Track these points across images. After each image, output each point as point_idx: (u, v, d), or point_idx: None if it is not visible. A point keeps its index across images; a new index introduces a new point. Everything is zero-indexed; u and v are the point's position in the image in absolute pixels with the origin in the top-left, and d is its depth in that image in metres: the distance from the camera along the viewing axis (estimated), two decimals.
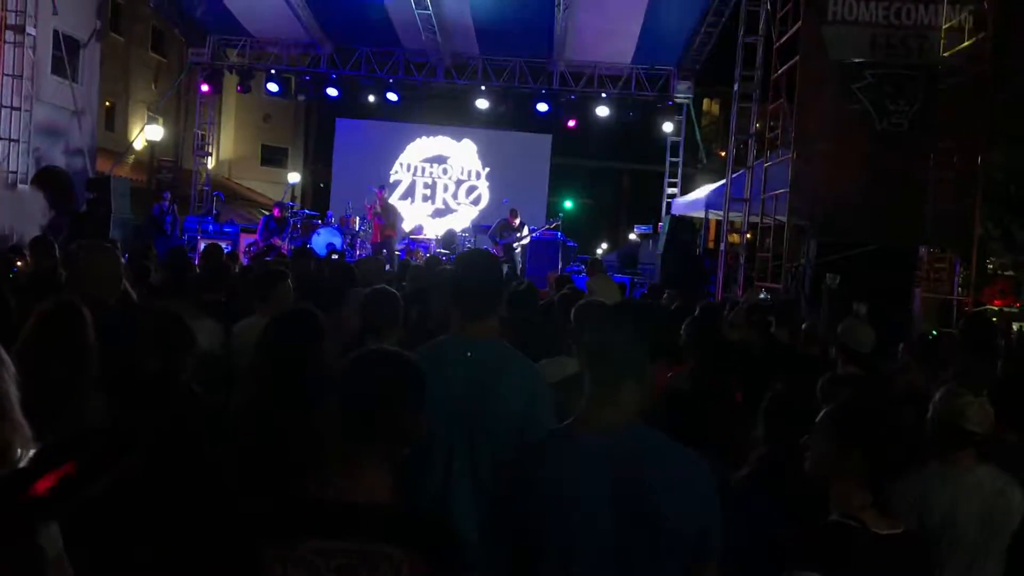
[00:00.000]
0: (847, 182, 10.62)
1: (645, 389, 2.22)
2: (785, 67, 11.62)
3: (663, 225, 16.01)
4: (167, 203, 16.89)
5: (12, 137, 12.83)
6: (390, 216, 16.10)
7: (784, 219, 11.34)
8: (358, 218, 16.89)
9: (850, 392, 3.75)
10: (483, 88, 18.47)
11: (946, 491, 3.05)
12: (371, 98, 18.95)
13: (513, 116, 19.56)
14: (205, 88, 19.63)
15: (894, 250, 10.40)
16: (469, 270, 3.05)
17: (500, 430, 2.74)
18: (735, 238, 16.33)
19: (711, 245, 19.00)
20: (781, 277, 11.45)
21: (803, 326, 6.70)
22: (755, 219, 12.71)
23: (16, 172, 12.86)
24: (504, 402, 2.77)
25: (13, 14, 12.71)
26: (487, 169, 21.55)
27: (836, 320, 6.14)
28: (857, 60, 10.46)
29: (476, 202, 21.52)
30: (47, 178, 15.62)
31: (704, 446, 2.47)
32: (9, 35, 12.77)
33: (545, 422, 2.77)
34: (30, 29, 12.79)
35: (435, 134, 21.65)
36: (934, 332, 7.45)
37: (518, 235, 15.75)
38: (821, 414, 2.63)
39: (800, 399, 3.44)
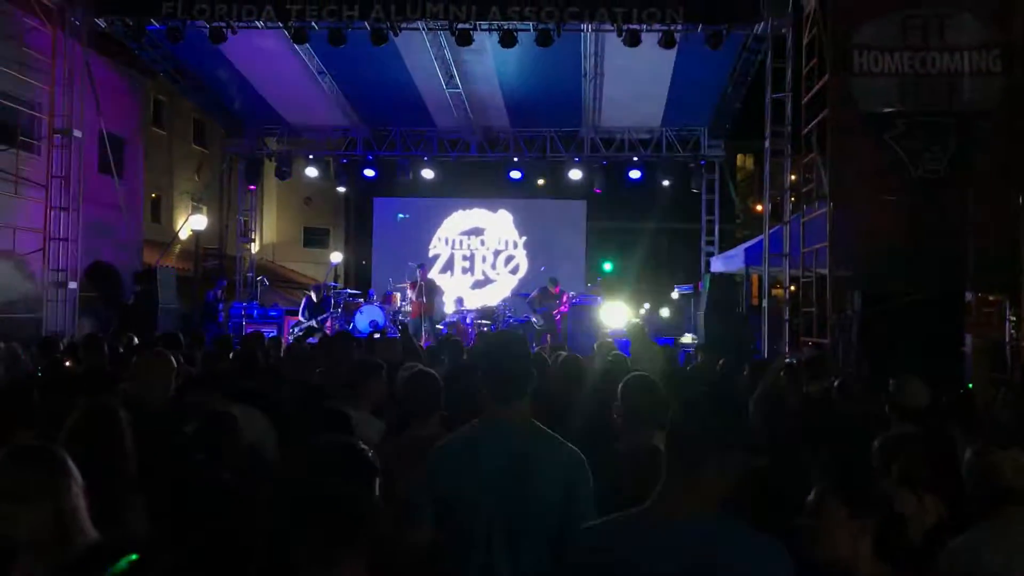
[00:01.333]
0: (887, 231, 10.51)
1: (727, 477, 2.14)
2: (815, 121, 11.63)
3: (703, 284, 15.93)
4: (221, 291, 17.27)
5: (61, 236, 13.18)
6: (430, 293, 16.28)
7: (825, 272, 11.22)
8: (399, 295, 17.07)
9: (918, 453, 3.62)
10: (515, 159, 18.74)
11: (999, 550, 2.94)
12: (407, 176, 19.30)
13: (547, 184, 19.79)
14: (252, 187, 20.25)
15: (941, 296, 10.21)
16: (497, 353, 3.03)
17: (539, 517, 2.71)
18: (779, 292, 16.16)
19: (754, 302, 18.80)
20: (828, 330, 11.27)
21: (835, 382, 6.53)
22: (795, 272, 12.59)
23: (66, 270, 13.18)
24: (542, 489, 2.74)
25: (59, 118, 13.18)
26: (524, 238, 21.71)
27: (880, 375, 6.00)
28: (887, 110, 10.45)
29: (514, 271, 21.63)
30: (96, 274, 16.05)
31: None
32: (56, 139, 13.23)
33: (585, 506, 2.73)
34: (76, 132, 13.24)
35: (471, 207, 21.92)
36: (970, 385, 7.28)
37: (556, 303, 15.79)
38: (815, 489, 2.56)
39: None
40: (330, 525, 1.97)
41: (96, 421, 2.91)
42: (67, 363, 6.84)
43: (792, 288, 13.43)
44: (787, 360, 9.94)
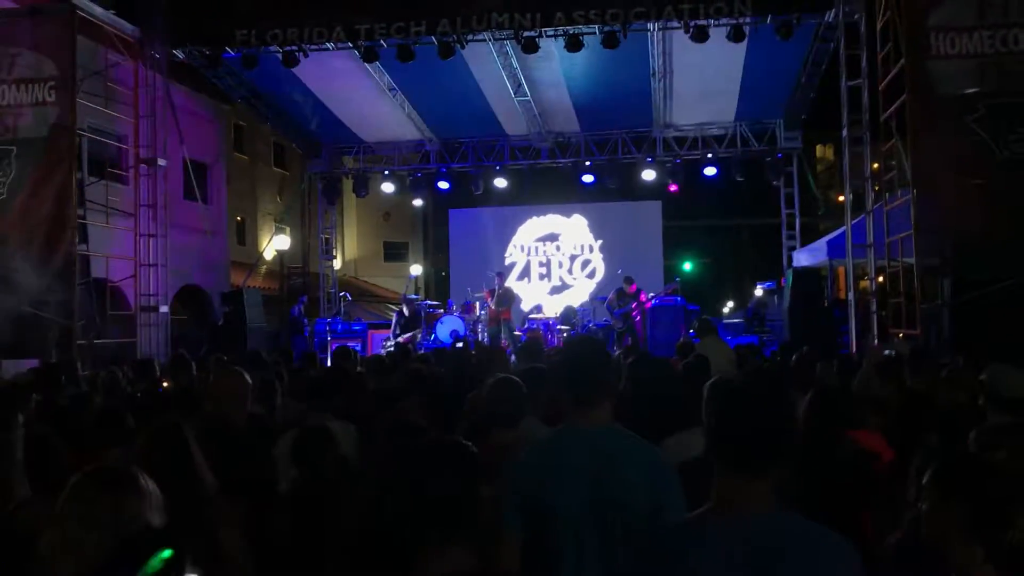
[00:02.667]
0: (974, 217, 10.13)
1: (786, 473, 2.12)
2: (893, 107, 11.29)
3: (786, 280, 15.61)
4: (303, 306, 17.74)
5: (151, 262, 13.67)
6: (507, 300, 16.37)
7: (912, 261, 10.87)
8: (478, 303, 17.20)
9: (1016, 443, 3.48)
10: (587, 163, 18.69)
11: None
12: (480, 186, 19.47)
13: (620, 186, 19.65)
14: (332, 205, 20.74)
15: None
16: (576, 358, 3.04)
17: (628, 521, 2.70)
18: (865, 284, 15.74)
19: (840, 295, 18.32)
20: (918, 321, 10.92)
21: (943, 373, 6.33)
22: (882, 263, 12.24)
23: (157, 294, 13.66)
24: (628, 493, 2.73)
25: (144, 148, 13.70)
26: (599, 242, 21.63)
27: (973, 365, 5.78)
28: (968, 91, 10.08)
29: (591, 275, 21.55)
30: (186, 297, 16.60)
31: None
32: (143, 168, 13.75)
33: (674, 508, 2.71)
34: (161, 160, 13.74)
35: (545, 213, 21.95)
36: None
37: (634, 302, 15.66)
38: (927, 473, 2.47)
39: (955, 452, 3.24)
40: (445, 519, 2.16)
41: (161, 440, 3.00)
42: (164, 384, 7.09)
43: (879, 279, 13.05)
44: (886, 353, 9.67)
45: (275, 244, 23.87)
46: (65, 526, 2.08)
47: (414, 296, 19.07)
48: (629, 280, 15.90)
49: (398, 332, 16.43)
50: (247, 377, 4.21)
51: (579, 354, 3.07)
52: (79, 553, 2.04)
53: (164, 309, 13.70)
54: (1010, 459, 3.34)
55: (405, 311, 16.82)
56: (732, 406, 2.15)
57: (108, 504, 2.08)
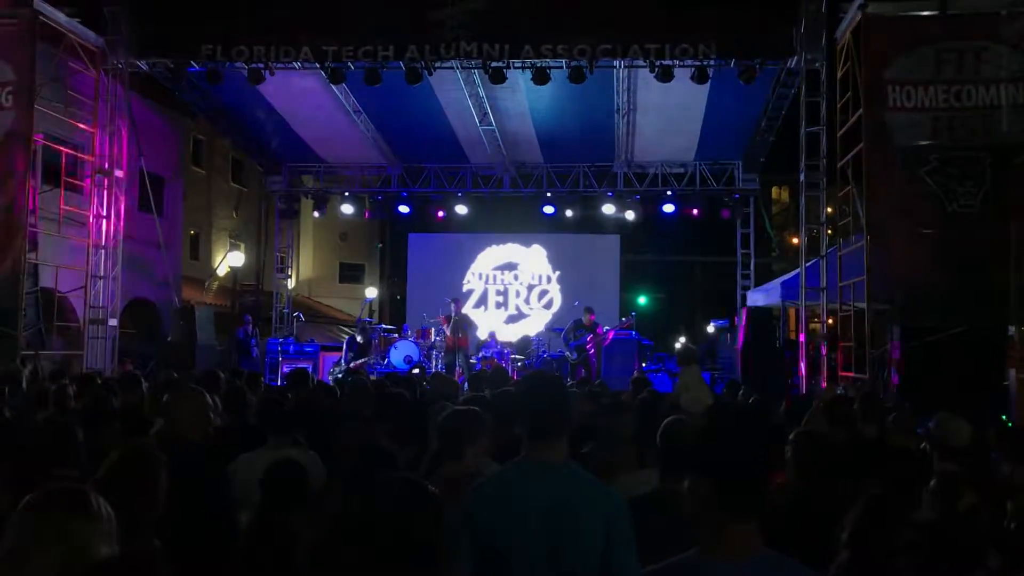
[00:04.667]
0: (924, 265, 10.40)
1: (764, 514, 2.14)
2: (850, 155, 11.57)
3: (739, 318, 15.81)
4: (250, 327, 17.43)
5: (102, 275, 13.41)
6: (463, 327, 16.32)
7: (864, 306, 11.09)
8: (433, 330, 17.13)
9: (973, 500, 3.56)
10: (548, 194, 18.80)
11: None
12: (441, 212, 19.46)
13: (580, 219, 19.80)
14: (288, 224, 20.52)
15: (982, 332, 10.03)
16: (534, 394, 3.02)
17: (582, 560, 2.70)
18: (816, 326, 15.99)
19: (791, 336, 18.60)
20: (867, 365, 11.12)
21: (890, 418, 6.44)
22: (833, 306, 12.46)
23: (107, 307, 13.40)
24: (584, 531, 2.73)
25: (102, 158, 13.49)
26: (557, 272, 21.72)
27: (920, 411, 5.90)
28: (922, 143, 10.38)
29: (548, 306, 21.61)
30: (135, 311, 16.27)
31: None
32: (99, 178, 13.53)
33: (627, 548, 2.72)
34: (118, 172, 13.53)
35: (504, 242, 21.99)
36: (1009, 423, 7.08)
37: (590, 334, 15.70)
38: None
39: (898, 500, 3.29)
40: (410, 559, 2.14)
41: (133, 463, 2.94)
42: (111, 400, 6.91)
43: (830, 322, 13.28)
44: (838, 391, 9.80)
45: (229, 260, 23.61)
46: (13, 540, 2.03)
47: (368, 320, 18.91)
48: (589, 310, 15.97)
49: (350, 358, 16.24)
50: (208, 397, 4.14)
51: (538, 389, 3.04)
52: (23, 570, 1.99)
53: (113, 322, 13.44)
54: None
55: (359, 338, 16.63)
56: (729, 449, 2.14)
57: (59, 524, 2.03)
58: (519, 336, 19.15)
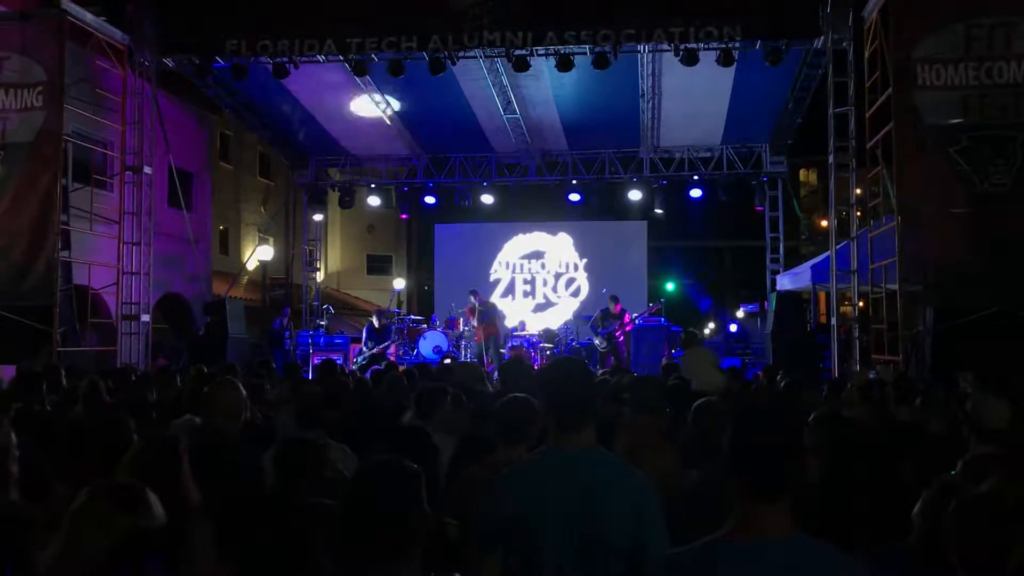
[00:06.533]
0: (957, 245, 10.25)
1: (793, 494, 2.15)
2: (879, 135, 11.41)
3: (769, 303, 15.69)
4: (286, 319, 17.57)
5: (133, 271, 13.56)
6: (491, 316, 16.35)
7: (895, 287, 10.96)
8: (461, 320, 17.17)
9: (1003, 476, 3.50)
10: (574, 182, 18.74)
11: None
12: (467, 202, 19.47)
13: (606, 206, 19.73)
14: (318, 217, 20.68)
15: (1016, 312, 9.89)
16: (560, 380, 2.99)
17: (611, 544, 2.70)
18: (847, 309, 15.83)
19: (822, 319, 18.45)
20: (899, 348, 11.00)
21: (918, 401, 6.36)
22: (864, 289, 12.33)
23: (139, 303, 13.55)
24: (612, 515, 2.72)
25: (131, 155, 13.62)
26: (584, 260, 21.66)
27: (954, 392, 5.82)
28: (952, 122, 10.21)
29: (575, 294, 21.58)
30: (168, 306, 16.45)
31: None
32: (128, 175, 13.66)
33: (656, 531, 2.71)
34: (147, 168, 13.66)
35: (531, 230, 21.96)
36: None
37: (618, 322, 15.68)
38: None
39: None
40: (389, 539, 2.23)
41: (154, 453, 2.95)
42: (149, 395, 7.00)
43: (861, 305, 13.14)
44: (871, 374, 9.71)
45: (258, 254, 23.77)
46: (72, 539, 2.06)
47: (395, 310, 19.00)
48: (615, 299, 15.93)
49: (371, 344, 16.30)
50: (242, 389, 4.18)
51: (564, 376, 3.01)
52: (84, 567, 2.02)
53: (145, 318, 13.58)
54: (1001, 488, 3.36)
55: (376, 323, 16.68)
56: (752, 430, 2.16)
57: (120, 520, 2.06)
58: (547, 325, 19.13)
